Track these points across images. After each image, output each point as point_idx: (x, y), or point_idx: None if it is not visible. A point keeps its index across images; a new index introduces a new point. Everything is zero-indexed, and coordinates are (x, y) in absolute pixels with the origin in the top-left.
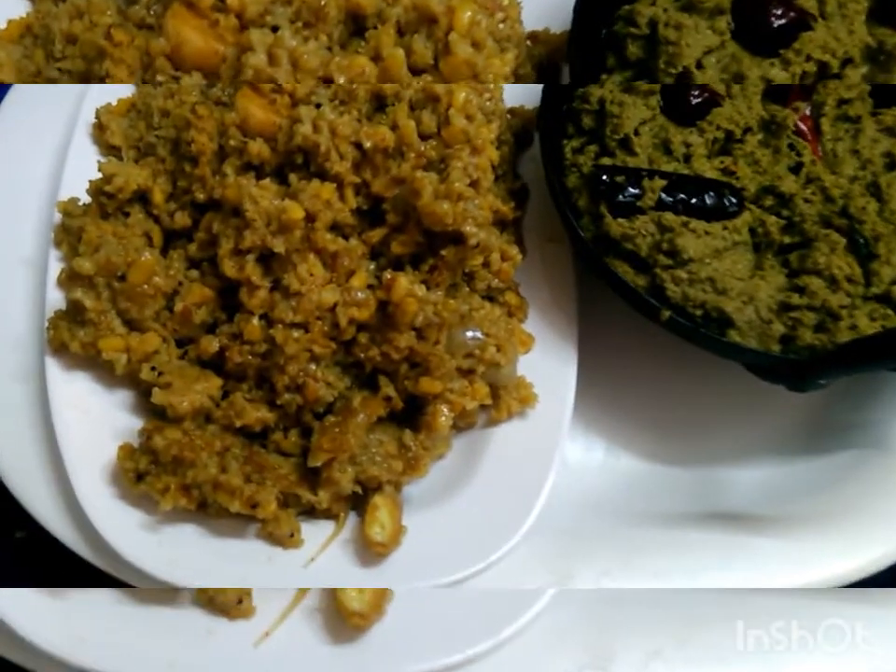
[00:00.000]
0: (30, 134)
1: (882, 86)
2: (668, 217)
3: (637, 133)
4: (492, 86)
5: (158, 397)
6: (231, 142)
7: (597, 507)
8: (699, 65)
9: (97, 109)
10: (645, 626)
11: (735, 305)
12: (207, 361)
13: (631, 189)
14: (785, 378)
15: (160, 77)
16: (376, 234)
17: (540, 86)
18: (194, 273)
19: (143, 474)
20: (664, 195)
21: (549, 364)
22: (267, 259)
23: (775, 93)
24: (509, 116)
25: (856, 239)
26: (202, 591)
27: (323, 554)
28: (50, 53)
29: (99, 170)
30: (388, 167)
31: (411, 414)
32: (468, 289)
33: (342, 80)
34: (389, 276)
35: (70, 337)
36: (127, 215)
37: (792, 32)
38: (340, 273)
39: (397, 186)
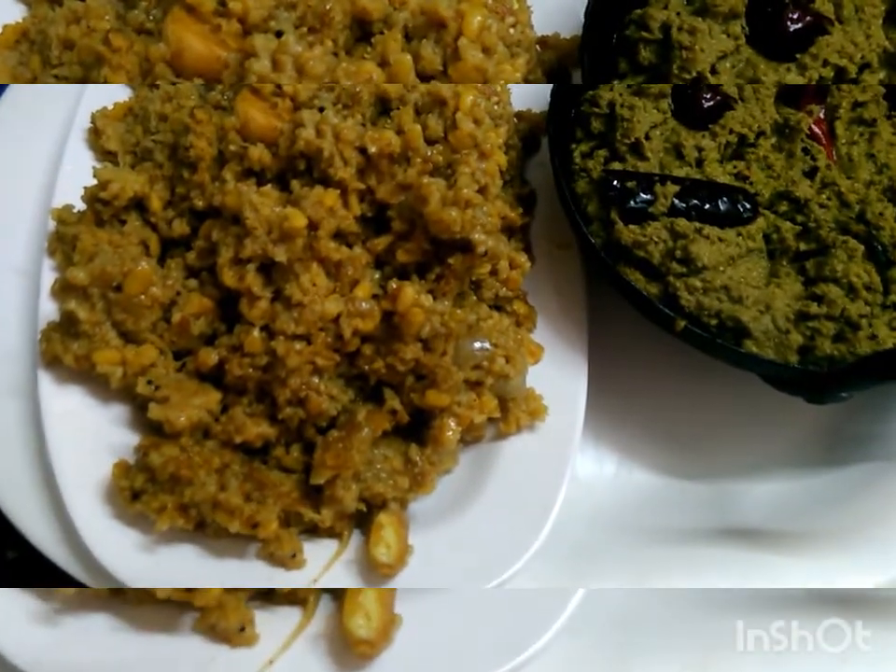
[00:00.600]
0: (24, 138)
1: None
2: (681, 224)
3: (647, 137)
4: (499, 88)
5: (154, 412)
6: (231, 147)
7: (609, 523)
8: (713, 70)
9: (93, 113)
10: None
11: (752, 314)
12: (206, 374)
13: (642, 195)
14: (804, 390)
15: (159, 84)
16: (381, 242)
17: (548, 87)
18: (192, 283)
19: (139, 493)
20: (676, 201)
21: (559, 375)
22: (268, 268)
23: (788, 96)
24: (516, 120)
25: (874, 245)
26: (202, 618)
27: (326, 575)
28: (47, 59)
29: (94, 176)
30: (394, 173)
31: (417, 428)
32: (475, 298)
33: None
34: (395, 286)
35: (63, 350)
36: (123, 222)
37: (809, 36)
38: (343, 283)
39: (402, 192)
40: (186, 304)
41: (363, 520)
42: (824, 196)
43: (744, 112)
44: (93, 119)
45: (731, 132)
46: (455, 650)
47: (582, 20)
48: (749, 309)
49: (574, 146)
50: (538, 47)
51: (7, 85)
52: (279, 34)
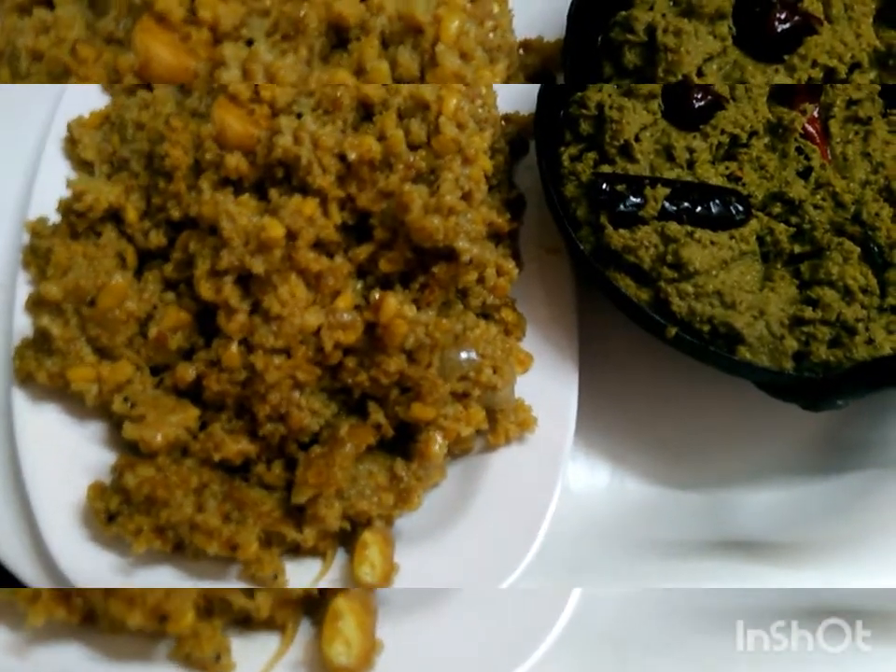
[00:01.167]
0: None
1: (893, 86)
2: (672, 227)
3: (637, 138)
4: (484, 90)
5: (129, 431)
6: (208, 155)
7: (602, 535)
8: (700, 73)
9: (69, 122)
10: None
11: (745, 320)
12: (184, 390)
13: (632, 198)
14: (799, 397)
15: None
16: (363, 252)
17: (536, 87)
18: (170, 296)
19: (114, 515)
20: (667, 204)
21: (548, 384)
22: (246, 280)
23: (780, 95)
24: (503, 122)
25: (870, 247)
26: (177, 647)
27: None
28: (16, 71)
29: (68, 187)
30: (375, 180)
31: (402, 442)
32: (461, 307)
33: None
34: (377, 296)
35: (37, 367)
36: (99, 234)
37: (797, 36)
38: (324, 294)
39: (384, 200)
40: (163, 318)
41: (347, 538)
42: (819, 197)
43: (736, 112)
44: (69, 128)
45: (722, 132)
46: None
47: (566, 22)
48: (743, 314)
49: (562, 148)
50: (520, 51)
51: None
52: (251, 42)
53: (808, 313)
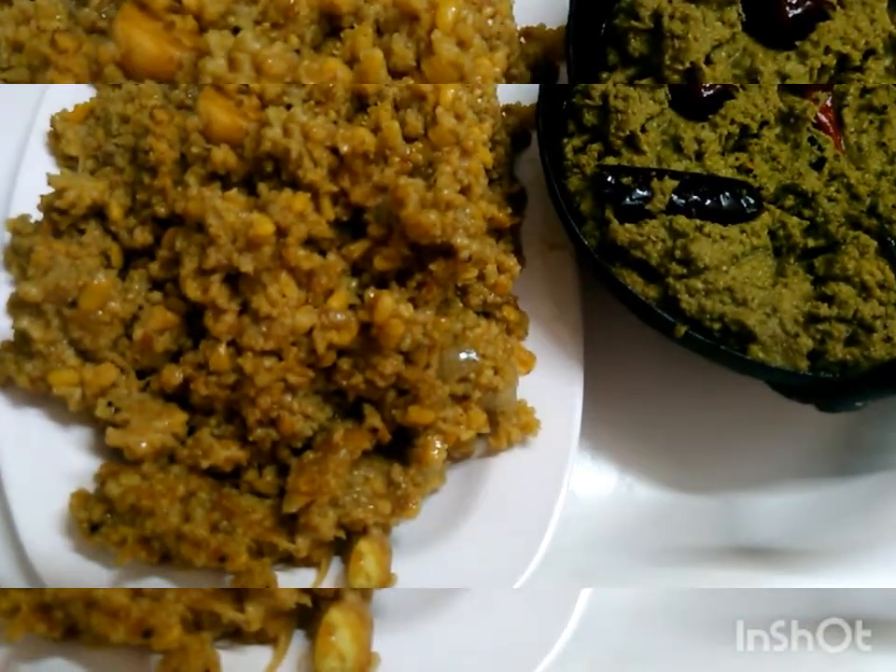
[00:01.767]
0: None
1: None
2: (680, 221)
3: (644, 129)
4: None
5: (112, 438)
6: (194, 149)
7: (609, 543)
8: (708, 61)
9: (52, 116)
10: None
11: (757, 318)
12: (171, 394)
13: (639, 191)
14: (814, 398)
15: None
16: (357, 248)
17: (536, 86)
18: (156, 296)
19: (97, 525)
20: (675, 197)
21: (552, 385)
22: (234, 279)
23: (792, 83)
24: (504, 114)
25: (887, 240)
26: (164, 662)
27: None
28: None
29: (49, 183)
30: (369, 173)
31: (399, 447)
32: (461, 305)
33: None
34: (372, 295)
35: (17, 370)
36: (82, 232)
37: (809, 22)
38: (316, 293)
39: (379, 194)
40: (149, 319)
41: (343, 546)
42: (833, 189)
43: (746, 101)
44: (53, 122)
45: (732, 122)
46: None
47: (568, 9)
48: (755, 312)
49: (566, 140)
50: (521, 39)
51: None
52: (237, 30)
53: (823, 310)
